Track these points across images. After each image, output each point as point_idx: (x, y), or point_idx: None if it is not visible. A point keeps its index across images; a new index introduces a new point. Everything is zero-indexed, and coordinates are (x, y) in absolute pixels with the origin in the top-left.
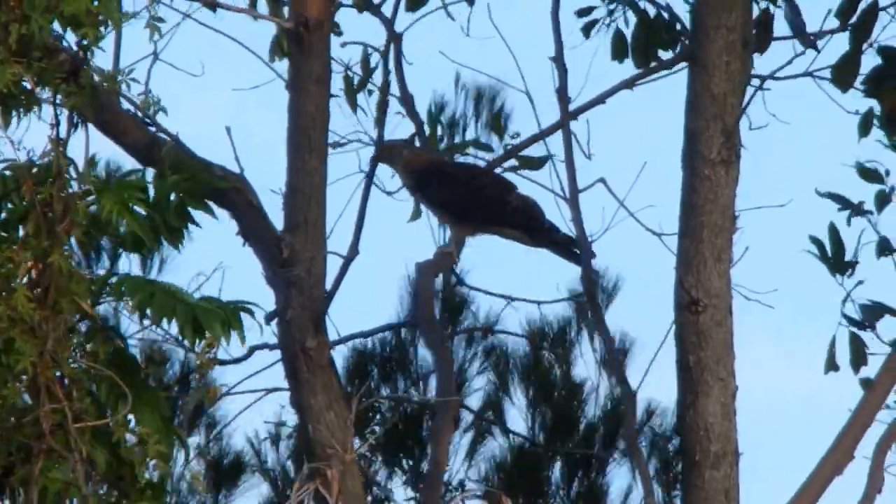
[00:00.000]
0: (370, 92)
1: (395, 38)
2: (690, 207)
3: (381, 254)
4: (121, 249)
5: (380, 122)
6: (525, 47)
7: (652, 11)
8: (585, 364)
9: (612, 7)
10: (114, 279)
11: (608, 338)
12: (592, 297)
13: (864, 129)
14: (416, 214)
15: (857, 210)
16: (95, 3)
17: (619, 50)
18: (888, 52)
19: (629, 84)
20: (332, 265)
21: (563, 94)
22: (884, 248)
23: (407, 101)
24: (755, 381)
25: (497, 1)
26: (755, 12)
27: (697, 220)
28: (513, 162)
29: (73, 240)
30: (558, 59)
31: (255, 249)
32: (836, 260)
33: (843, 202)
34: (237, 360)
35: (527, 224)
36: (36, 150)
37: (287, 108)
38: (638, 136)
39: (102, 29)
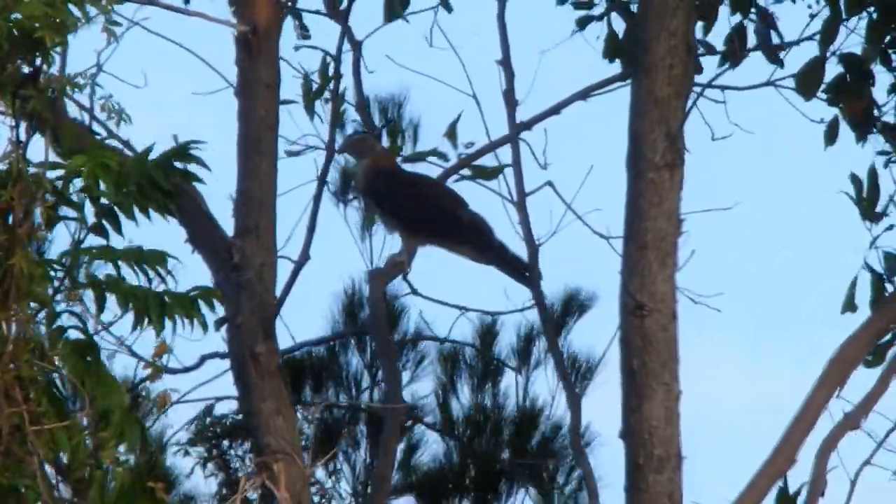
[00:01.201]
0: (327, 100)
1: (354, 46)
2: (635, 211)
3: (332, 259)
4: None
5: (333, 128)
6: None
7: None
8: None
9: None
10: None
11: (554, 343)
12: (544, 311)
13: (831, 137)
14: (371, 221)
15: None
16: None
17: (613, 50)
18: (849, 58)
19: (583, 95)
20: (284, 270)
21: (510, 98)
22: None
23: (363, 109)
24: (699, 386)
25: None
26: (730, 24)
27: (642, 225)
28: (466, 172)
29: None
30: (505, 63)
31: (203, 256)
32: (869, 204)
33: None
34: (188, 369)
35: (477, 241)
36: None
37: (237, 114)
38: (586, 143)
39: (59, 34)
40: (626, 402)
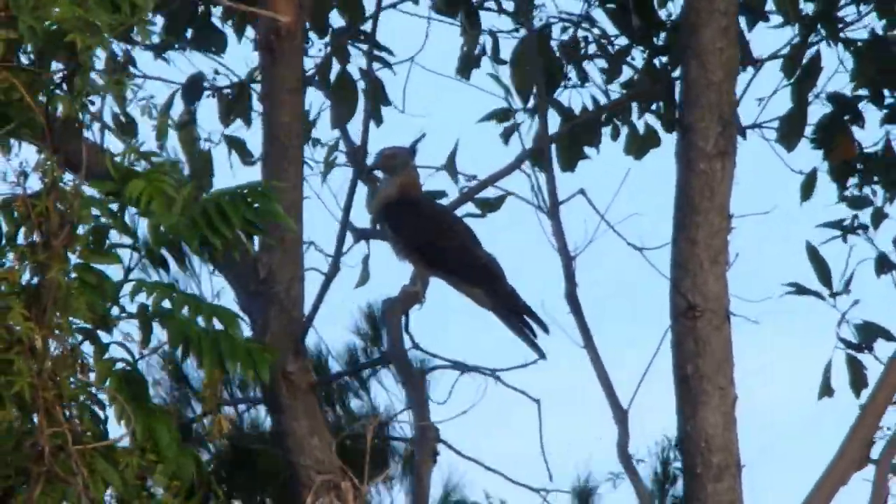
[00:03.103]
0: (315, 143)
1: None
2: (686, 206)
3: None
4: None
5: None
6: None
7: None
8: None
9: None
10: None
11: (596, 355)
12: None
13: (807, 191)
14: (365, 279)
15: (851, 230)
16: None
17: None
18: (839, 99)
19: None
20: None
21: (542, 100)
22: (883, 264)
23: (354, 153)
24: (757, 389)
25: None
26: None
27: (693, 220)
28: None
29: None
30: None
31: (227, 275)
32: (825, 284)
33: (837, 226)
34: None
35: (490, 285)
36: (29, 160)
37: (261, 120)
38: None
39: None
40: (680, 409)
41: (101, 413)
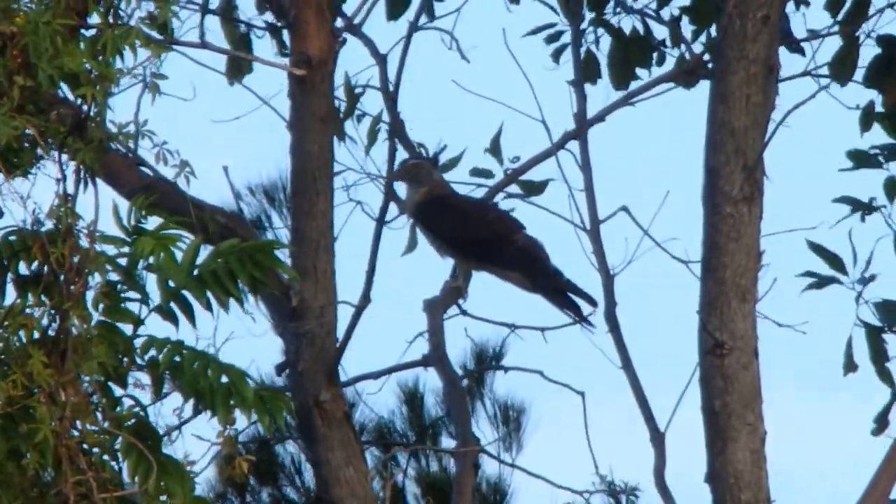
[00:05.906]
0: (359, 118)
1: (380, 62)
2: (713, 247)
3: (393, 300)
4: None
5: (391, 164)
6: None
7: (627, 27)
8: None
9: (582, 28)
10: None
11: (634, 376)
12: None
13: (866, 123)
14: (412, 246)
15: (868, 208)
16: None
17: (592, 72)
18: (888, 39)
19: (628, 100)
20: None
21: (581, 120)
22: None
23: (398, 127)
24: (785, 425)
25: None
26: None
27: (720, 261)
28: (514, 188)
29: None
30: (577, 84)
31: (263, 301)
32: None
33: (854, 203)
34: None
35: (528, 267)
36: (43, 206)
37: (289, 149)
38: (659, 156)
39: (103, 87)
40: (709, 445)
41: (114, 464)
